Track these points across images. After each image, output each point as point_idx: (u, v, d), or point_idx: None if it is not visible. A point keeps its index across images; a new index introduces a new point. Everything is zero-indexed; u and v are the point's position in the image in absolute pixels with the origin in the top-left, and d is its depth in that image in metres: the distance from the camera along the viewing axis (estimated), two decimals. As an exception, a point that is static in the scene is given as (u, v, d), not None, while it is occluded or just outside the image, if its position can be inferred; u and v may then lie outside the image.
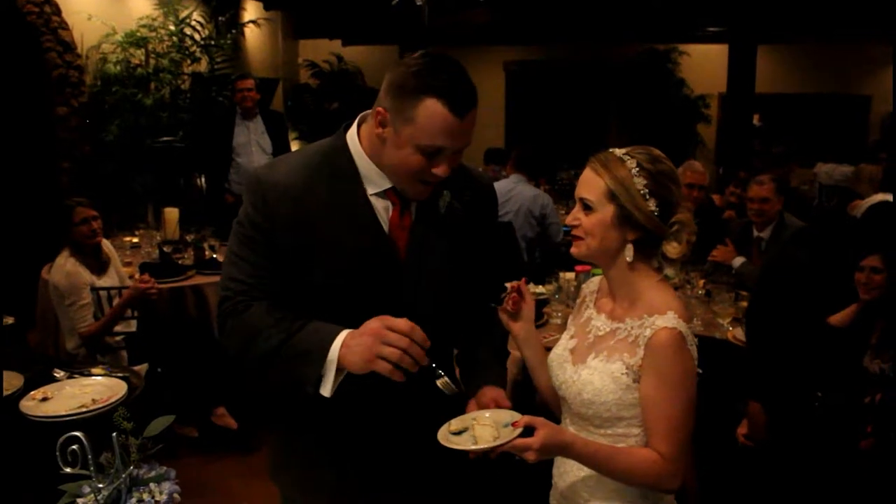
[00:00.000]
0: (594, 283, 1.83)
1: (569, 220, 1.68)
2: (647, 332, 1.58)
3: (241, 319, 1.64)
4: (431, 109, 1.50)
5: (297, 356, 1.58)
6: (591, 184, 1.63)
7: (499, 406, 1.68)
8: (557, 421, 1.76)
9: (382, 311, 1.59)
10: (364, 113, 1.68)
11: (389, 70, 1.59)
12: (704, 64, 10.68)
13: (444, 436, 1.54)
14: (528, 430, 1.48)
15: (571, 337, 1.76)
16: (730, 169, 7.22)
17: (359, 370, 1.52)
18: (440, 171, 1.57)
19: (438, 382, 1.59)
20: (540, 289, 3.92)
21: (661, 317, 1.58)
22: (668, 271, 4.16)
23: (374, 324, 1.51)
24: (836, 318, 2.80)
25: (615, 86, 11.07)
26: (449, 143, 1.54)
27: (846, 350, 2.74)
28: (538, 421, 1.49)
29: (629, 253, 1.63)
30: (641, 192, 1.60)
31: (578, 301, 1.84)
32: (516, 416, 1.55)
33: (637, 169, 1.60)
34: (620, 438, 1.64)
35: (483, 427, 1.52)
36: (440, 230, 1.70)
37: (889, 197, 5.01)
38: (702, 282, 3.97)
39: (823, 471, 2.59)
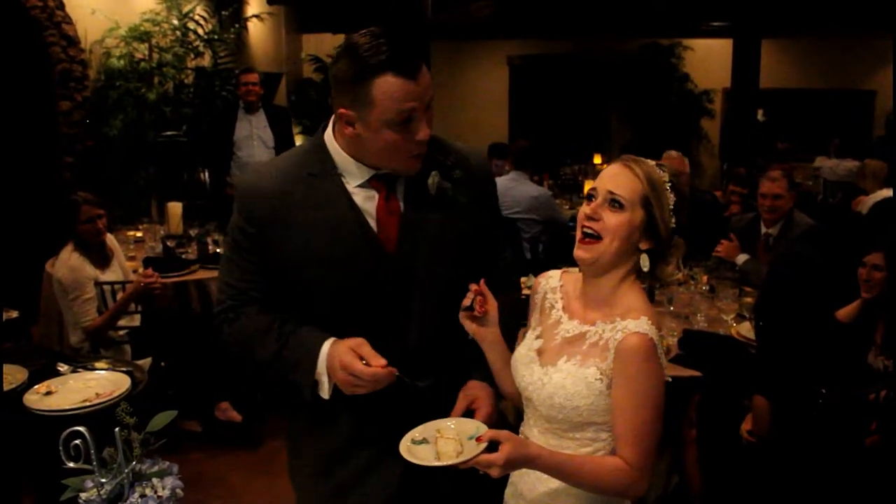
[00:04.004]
0: (554, 278, 1.75)
1: (588, 211, 1.58)
2: (618, 336, 1.54)
3: (235, 328, 1.72)
4: (384, 84, 1.52)
5: (290, 367, 1.67)
6: (627, 183, 1.57)
7: (477, 405, 1.70)
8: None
9: (374, 304, 1.65)
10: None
11: (330, 72, 1.62)
12: (708, 59, 10.66)
13: (406, 448, 1.52)
14: (493, 444, 1.45)
15: (537, 337, 1.69)
16: (733, 165, 7.20)
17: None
18: (421, 134, 1.58)
19: (405, 380, 1.62)
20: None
21: (634, 321, 1.54)
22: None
23: (340, 374, 1.59)
24: (843, 313, 2.80)
25: (619, 80, 11.04)
26: (414, 104, 1.55)
27: (851, 346, 2.73)
28: (503, 435, 1.46)
29: (645, 263, 1.60)
30: (670, 206, 1.59)
31: (538, 297, 1.75)
32: (482, 427, 1.54)
33: (669, 183, 1.60)
34: (588, 443, 1.60)
35: (446, 441, 1.50)
36: (431, 211, 1.69)
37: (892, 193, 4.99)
38: (705, 277, 3.96)
39: (828, 468, 2.59)
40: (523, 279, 3.95)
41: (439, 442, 1.51)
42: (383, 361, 1.56)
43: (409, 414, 1.64)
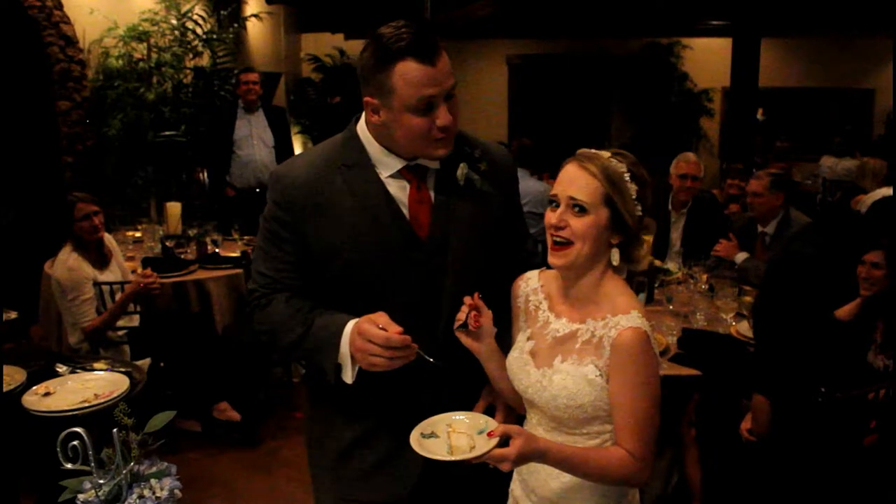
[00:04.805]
0: (533, 279, 1.77)
1: (553, 220, 1.60)
2: (612, 333, 1.56)
3: (264, 314, 1.75)
4: (404, 70, 1.58)
5: (314, 350, 1.70)
6: (586, 185, 1.58)
7: (497, 401, 1.76)
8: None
9: (407, 290, 1.70)
10: None
11: (357, 65, 1.69)
12: (708, 58, 10.65)
13: (417, 442, 1.52)
14: (503, 439, 1.46)
15: (528, 339, 1.71)
16: (732, 163, 7.21)
17: (364, 368, 1.64)
18: (443, 120, 1.62)
19: (427, 359, 1.62)
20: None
21: (626, 316, 1.57)
22: (671, 266, 4.13)
23: (357, 341, 1.61)
24: (843, 312, 2.80)
25: (618, 79, 11.04)
26: (434, 90, 1.60)
27: (851, 345, 2.73)
28: (513, 430, 1.47)
29: (615, 257, 1.63)
30: (633, 196, 1.60)
31: (521, 301, 1.77)
32: (491, 422, 1.55)
33: (628, 174, 1.59)
34: (595, 436, 1.63)
35: (458, 435, 1.52)
36: (461, 200, 1.75)
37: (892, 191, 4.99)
38: (705, 276, 3.96)
39: (828, 467, 2.59)
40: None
41: (452, 436, 1.53)
42: (399, 329, 1.58)
43: (431, 400, 1.69)
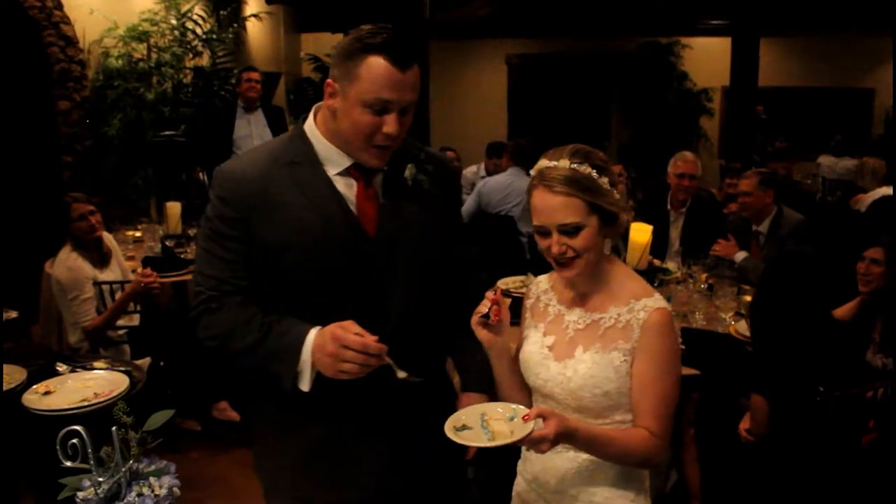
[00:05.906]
0: (543, 282, 1.82)
1: (555, 249, 1.61)
2: (642, 315, 1.61)
3: (214, 318, 1.71)
4: (373, 64, 1.58)
5: (272, 356, 1.66)
6: (568, 206, 1.58)
7: None
8: None
9: (355, 290, 1.68)
10: (318, 104, 1.76)
11: (336, 45, 1.68)
12: (707, 57, 10.65)
13: (453, 433, 1.54)
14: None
15: (545, 334, 1.73)
16: (731, 162, 7.21)
17: (328, 375, 1.61)
18: (390, 128, 1.62)
19: (399, 376, 1.62)
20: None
21: (651, 299, 1.63)
22: (670, 265, 4.15)
23: (330, 346, 1.57)
24: (841, 312, 2.80)
25: (617, 79, 11.05)
26: (394, 95, 1.60)
27: (849, 344, 2.73)
28: (546, 411, 1.50)
29: (607, 246, 1.67)
30: (609, 189, 1.61)
31: (530, 301, 1.82)
32: (521, 409, 1.56)
33: (595, 172, 1.59)
34: (618, 424, 1.66)
35: (496, 422, 1.54)
36: (409, 200, 1.76)
37: (892, 191, 5.00)
38: (704, 276, 3.96)
39: (826, 466, 2.59)
40: (522, 278, 3.95)
41: (491, 423, 1.55)
42: (376, 337, 1.57)
43: (390, 403, 1.71)
